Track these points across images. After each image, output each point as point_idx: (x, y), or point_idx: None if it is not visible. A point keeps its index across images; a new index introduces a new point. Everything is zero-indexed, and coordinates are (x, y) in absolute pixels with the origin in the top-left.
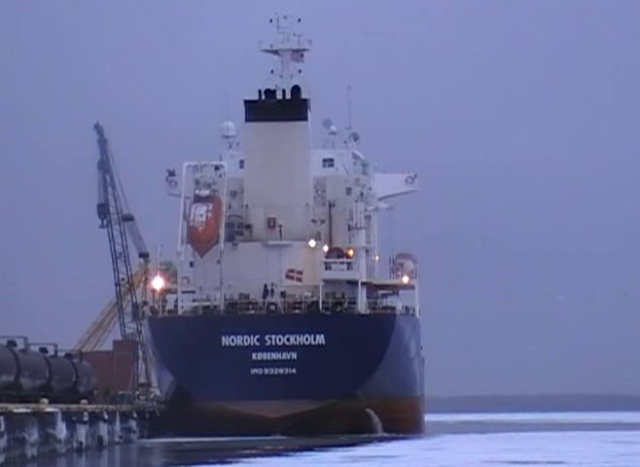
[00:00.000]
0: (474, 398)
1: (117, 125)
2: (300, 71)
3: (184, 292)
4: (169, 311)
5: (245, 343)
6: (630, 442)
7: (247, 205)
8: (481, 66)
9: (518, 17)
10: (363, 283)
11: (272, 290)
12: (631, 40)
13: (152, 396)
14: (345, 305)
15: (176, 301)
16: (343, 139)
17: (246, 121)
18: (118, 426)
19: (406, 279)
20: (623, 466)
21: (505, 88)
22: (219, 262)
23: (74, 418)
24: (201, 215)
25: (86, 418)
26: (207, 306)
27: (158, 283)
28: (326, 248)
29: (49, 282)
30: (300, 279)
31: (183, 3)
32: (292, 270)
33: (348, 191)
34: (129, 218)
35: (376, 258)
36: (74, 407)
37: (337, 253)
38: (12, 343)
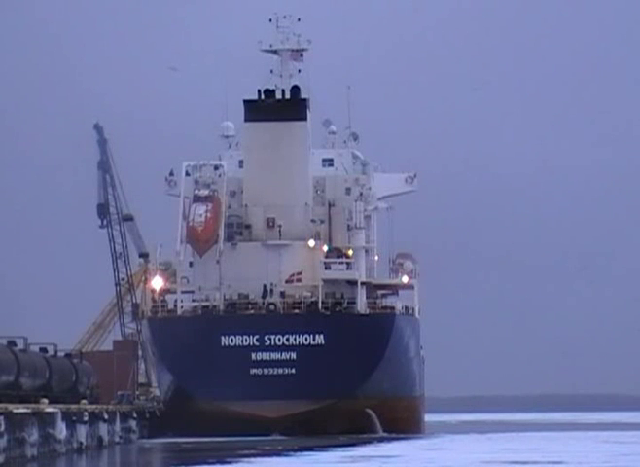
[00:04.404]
0: (474, 398)
1: (117, 125)
2: (299, 71)
3: (183, 292)
4: (169, 311)
5: (245, 343)
6: (630, 442)
7: (246, 205)
8: (482, 66)
9: (522, 16)
10: (362, 283)
11: (272, 290)
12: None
13: (151, 396)
14: (345, 304)
15: (175, 301)
16: (343, 139)
17: (245, 120)
18: (118, 426)
19: (405, 279)
20: (623, 466)
21: (505, 88)
22: (218, 262)
23: (74, 418)
24: (201, 215)
25: (86, 418)
26: (207, 306)
27: (157, 283)
28: (325, 248)
29: (49, 282)
30: (299, 280)
31: (183, 3)
32: (292, 275)
33: (348, 191)
34: (129, 218)
35: (376, 258)
36: (74, 407)
37: (336, 253)
38: (12, 343)
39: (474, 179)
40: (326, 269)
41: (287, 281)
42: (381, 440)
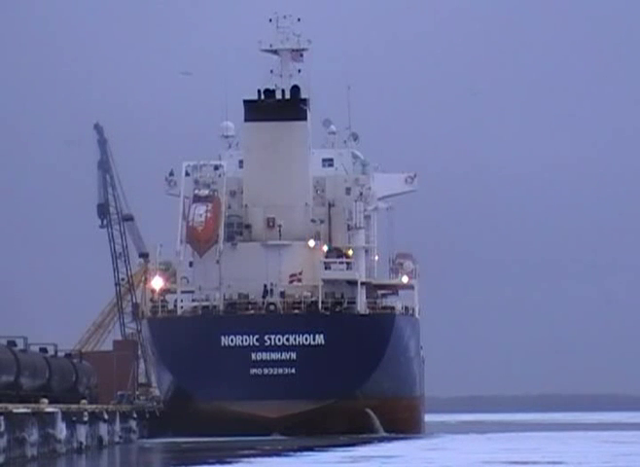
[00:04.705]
0: (474, 398)
1: (117, 125)
2: (299, 71)
3: (183, 292)
4: (169, 311)
5: (245, 343)
6: (630, 442)
7: (246, 205)
8: (481, 66)
9: (522, 17)
10: (362, 283)
11: (272, 290)
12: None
13: (151, 396)
14: (345, 304)
15: (175, 301)
16: (343, 139)
17: (245, 120)
18: (118, 426)
19: (405, 279)
20: (623, 466)
21: (505, 88)
22: (218, 262)
23: (74, 418)
24: (201, 215)
25: (86, 418)
26: (207, 306)
27: (157, 283)
28: (325, 248)
29: (49, 282)
30: (299, 280)
31: (183, 3)
32: (293, 275)
33: (348, 191)
34: (129, 218)
35: (376, 258)
36: (74, 407)
37: (336, 253)
38: (12, 343)
39: (474, 179)
40: (326, 269)
41: (290, 281)
42: (381, 440)
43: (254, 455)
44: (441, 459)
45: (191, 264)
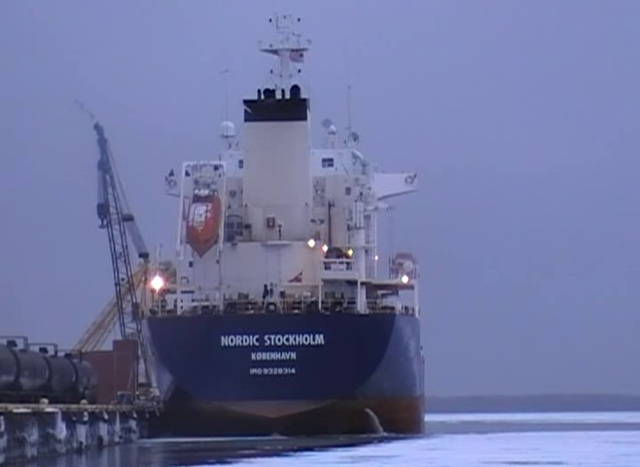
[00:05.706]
0: (474, 398)
1: (117, 125)
2: (299, 71)
3: (183, 292)
4: (169, 311)
5: (244, 343)
6: (630, 442)
7: (246, 205)
8: (481, 66)
9: (526, 16)
10: (362, 283)
11: (272, 290)
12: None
13: (151, 396)
14: (345, 304)
15: (175, 301)
16: (343, 139)
17: (245, 120)
18: (118, 426)
19: (405, 279)
20: (623, 466)
21: (505, 88)
22: (218, 262)
23: (74, 418)
24: (201, 215)
25: (86, 418)
26: (206, 306)
27: (157, 283)
28: (325, 248)
29: (49, 282)
30: (299, 279)
31: (183, 3)
32: (295, 279)
33: (348, 191)
34: (129, 218)
35: (376, 258)
36: (74, 407)
37: (336, 253)
38: (12, 343)
39: (474, 179)
40: (326, 269)
41: (290, 280)
42: (381, 440)
43: (254, 455)
44: (441, 459)
45: (191, 264)
